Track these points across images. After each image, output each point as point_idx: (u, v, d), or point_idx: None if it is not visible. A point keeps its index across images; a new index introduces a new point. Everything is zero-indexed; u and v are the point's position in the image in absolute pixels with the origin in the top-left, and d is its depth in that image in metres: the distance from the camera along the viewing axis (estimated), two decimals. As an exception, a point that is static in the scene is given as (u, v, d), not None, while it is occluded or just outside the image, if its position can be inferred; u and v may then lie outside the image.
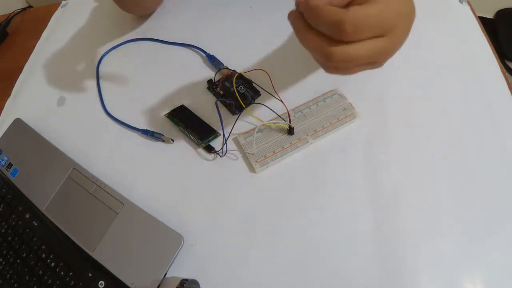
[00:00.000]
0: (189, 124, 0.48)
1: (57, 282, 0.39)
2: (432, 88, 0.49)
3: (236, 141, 0.47)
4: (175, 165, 0.46)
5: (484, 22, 0.56)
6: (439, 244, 0.38)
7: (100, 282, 0.38)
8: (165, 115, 0.49)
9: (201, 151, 0.47)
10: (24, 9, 0.78)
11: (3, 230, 0.44)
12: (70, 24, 0.66)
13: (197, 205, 0.43)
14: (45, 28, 0.67)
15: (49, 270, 0.40)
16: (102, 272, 0.39)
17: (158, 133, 0.48)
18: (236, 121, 0.46)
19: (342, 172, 0.43)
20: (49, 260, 0.41)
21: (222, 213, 0.42)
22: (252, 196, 0.43)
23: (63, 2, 0.71)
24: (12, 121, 0.51)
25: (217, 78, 0.52)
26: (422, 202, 0.41)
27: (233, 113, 0.49)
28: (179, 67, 0.56)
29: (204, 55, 0.55)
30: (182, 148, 0.48)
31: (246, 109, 0.47)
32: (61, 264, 0.40)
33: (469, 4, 0.58)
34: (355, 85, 0.50)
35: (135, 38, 0.59)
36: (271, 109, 0.46)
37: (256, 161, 0.44)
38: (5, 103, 0.57)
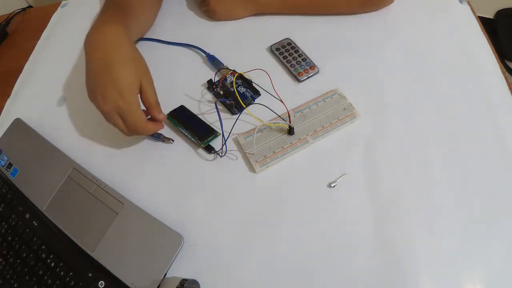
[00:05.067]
0: (189, 124, 0.48)
1: (57, 282, 0.39)
2: (432, 88, 0.49)
3: (236, 141, 0.47)
4: (175, 165, 0.46)
5: (484, 22, 0.57)
6: (439, 244, 0.38)
7: (100, 282, 0.38)
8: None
9: (201, 151, 0.47)
10: (24, 9, 0.78)
11: (3, 230, 0.44)
12: (70, 24, 0.66)
13: (197, 205, 0.43)
14: (45, 28, 0.67)
15: (49, 270, 0.40)
16: (102, 272, 0.39)
17: (158, 133, 0.48)
18: (236, 121, 0.46)
19: (342, 172, 0.43)
20: (49, 260, 0.41)
21: (222, 213, 0.42)
22: (252, 196, 0.43)
23: (63, 2, 0.71)
24: (12, 121, 0.51)
25: (217, 78, 0.52)
26: (422, 202, 0.41)
27: (233, 113, 0.49)
28: (179, 67, 0.56)
29: (204, 55, 0.55)
30: (182, 148, 0.48)
31: (246, 109, 0.47)
32: (61, 264, 0.40)
33: (469, 4, 0.58)
34: (355, 85, 0.50)
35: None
36: (271, 109, 0.46)
37: (256, 161, 0.44)
38: (5, 103, 0.57)
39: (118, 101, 0.40)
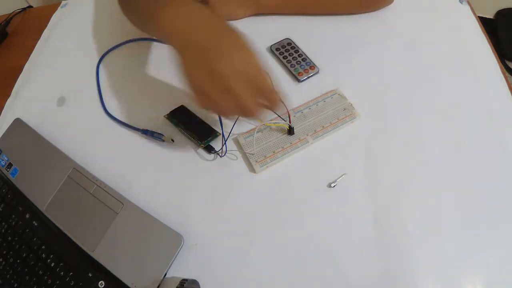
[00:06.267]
0: (189, 124, 0.48)
1: (57, 282, 0.39)
2: (432, 88, 0.49)
3: (236, 141, 0.47)
4: (175, 165, 0.46)
5: (484, 22, 0.57)
6: (439, 244, 0.38)
7: (100, 282, 0.38)
8: (164, 116, 0.49)
9: (201, 151, 0.47)
10: (24, 9, 0.78)
11: (3, 230, 0.44)
12: (70, 24, 0.66)
13: (197, 205, 0.43)
14: (45, 28, 0.67)
15: (49, 270, 0.40)
16: (102, 272, 0.39)
17: (158, 133, 0.48)
18: (236, 121, 0.46)
19: (342, 172, 0.43)
20: (49, 260, 0.41)
21: (222, 213, 0.42)
22: (252, 196, 0.43)
23: (63, 2, 0.71)
24: (12, 121, 0.51)
25: (217, 78, 0.52)
26: (422, 202, 0.41)
27: (233, 113, 0.49)
28: (179, 67, 0.56)
29: (204, 55, 0.55)
30: (182, 148, 0.48)
31: (246, 109, 0.47)
32: (61, 264, 0.40)
33: (469, 4, 0.58)
34: (355, 85, 0.50)
35: (135, 38, 0.59)
36: (271, 109, 0.46)
37: (256, 161, 0.44)
38: (5, 103, 0.57)
39: (252, 65, 0.34)
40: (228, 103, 0.35)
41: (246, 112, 0.36)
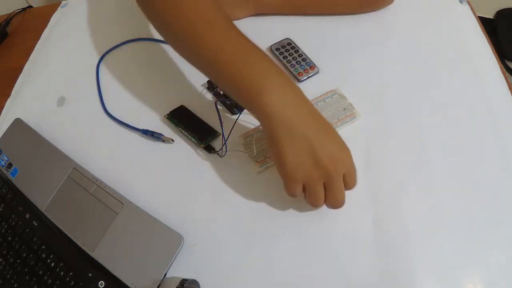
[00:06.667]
0: (189, 124, 0.48)
1: (57, 282, 0.39)
2: (432, 88, 0.49)
3: (236, 141, 0.47)
4: (175, 165, 0.46)
5: (484, 22, 0.57)
6: (439, 244, 0.38)
7: (100, 282, 0.38)
8: (164, 116, 0.49)
9: (201, 151, 0.47)
10: (24, 9, 0.79)
11: (3, 230, 0.44)
12: (70, 24, 0.66)
13: (197, 205, 0.43)
14: (45, 28, 0.67)
15: (49, 270, 0.40)
16: (102, 272, 0.39)
17: (158, 133, 0.48)
18: (236, 121, 0.46)
19: (342, 172, 0.43)
20: (49, 260, 0.41)
21: (222, 213, 0.42)
22: (252, 196, 0.43)
23: (63, 2, 0.71)
24: (12, 121, 0.51)
25: (217, 78, 0.52)
26: (422, 202, 0.41)
27: (233, 113, 0.49)
28: (179, 67, 0.56)
29: (204, 55, 0.55)
30: (182, 148, 0.48)
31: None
32: (61, 264, 0.40)
33: (469, 4, 0.58)
34: (355, 85, 0.50)
35: (135, 38, 0.59)
36: (271, 109, 0.46)
37: (256, 161, 0.44)
38: (5, 103, 0.57)
39: (349, 161, 0.36)
40: (322, 198, 0.37)
41: (337, 206, 0.38)
